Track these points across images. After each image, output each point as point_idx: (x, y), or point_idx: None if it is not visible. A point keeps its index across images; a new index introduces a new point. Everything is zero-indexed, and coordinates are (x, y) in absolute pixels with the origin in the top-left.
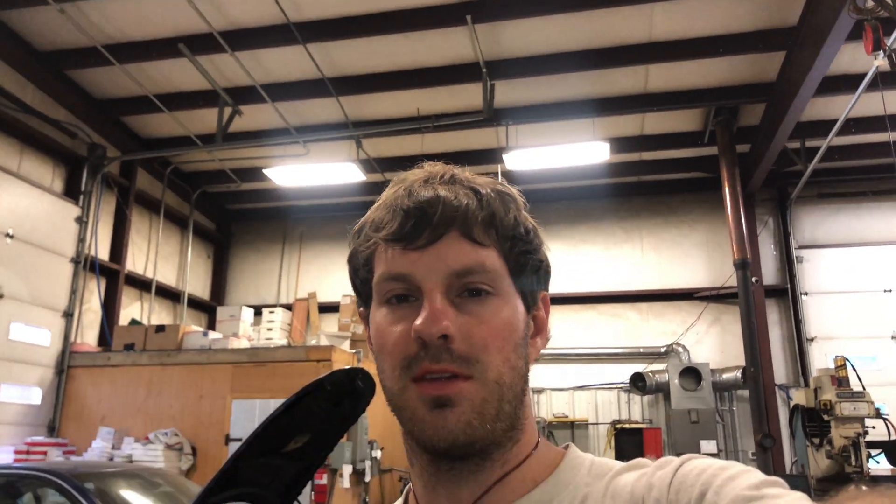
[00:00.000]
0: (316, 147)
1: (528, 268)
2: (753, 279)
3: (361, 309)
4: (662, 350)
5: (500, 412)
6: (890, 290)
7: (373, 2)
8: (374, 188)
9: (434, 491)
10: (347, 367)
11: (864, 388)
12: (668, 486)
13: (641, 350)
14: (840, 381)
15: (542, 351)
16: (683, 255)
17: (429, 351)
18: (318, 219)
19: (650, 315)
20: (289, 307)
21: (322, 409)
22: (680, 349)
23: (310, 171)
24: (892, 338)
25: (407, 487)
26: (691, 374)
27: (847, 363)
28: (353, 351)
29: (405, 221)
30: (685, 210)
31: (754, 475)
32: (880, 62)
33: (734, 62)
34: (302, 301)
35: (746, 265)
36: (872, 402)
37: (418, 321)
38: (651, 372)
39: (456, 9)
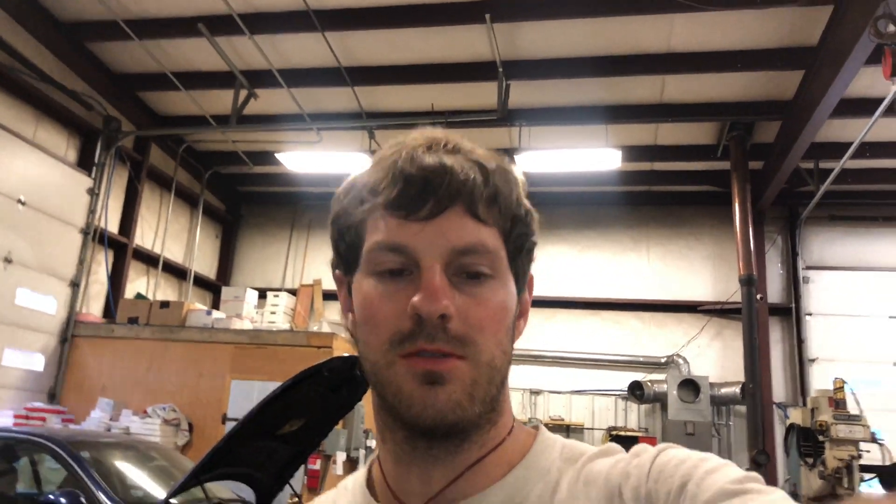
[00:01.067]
0: (329, 135)
1: (525, 250)
2: (758, 296)
3: (339, 272)
4: (663, 360)
5: (486, 394)
6: (895, 317)
7: None
8: None
9: (406, 469)
10: (347, 354)
11: (861, 412)
12: (647, 474)
13: (641, 359)
14: (837, 403)
15: (543, 353)
16: (689, 267)
17: (424, 329)
18: (327, 206)
19: (652, 325)
20: (293, 292)
21: (319, 395)
22: (680, 361)
23: (322, 159)
24: (895, 364)
25: (370, 460)
26: (690, 386)
27: (846, 386)
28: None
29: (407, 189)
30: (694, 223)
31: (734, 469)
32: None
33: (752, 78)
34: (307, 287)
35: (752, 281)
36: (868, 427)
37: (417, 298)
38: (650, 381)
39: (476, 6)
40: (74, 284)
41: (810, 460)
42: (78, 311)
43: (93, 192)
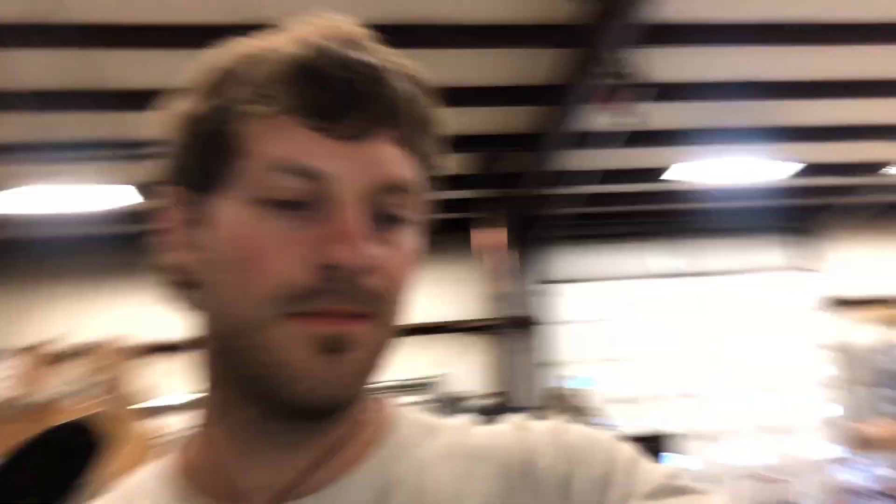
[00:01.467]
0: (68, 169)
1: (432, 193)
2: (508, 312)
3: (179, 188)
4: (427, 381)
5: (379, 363)
6: (613, 320)
7: (151, 12)
8: (142, 217)
9: (249, 456)
10: (75, 418)
11: (587, 405)
12: (560, 452)
13: (408, 382)
14: (563, 398)
15: None
16: (449, 290)
17: (335, 285)
18: (64, 254)
19: (417, 348)
20: (22, 353)
21: (48, 467)
22: (443, 380)
23: (58, 196)
24: (606, 361)
25: (180, 445)
26: (452, 402)
27: (573, 382)
28: (104, 398)
29: (325, 93)
30: (451, 248)
31: (651, 461)
32: (619, 121)
33: (504, 112)
34: (38, 346)
35: (502, 299)
36: (588, 416)
37: (336, 245)
38: (417, 403)
39: (238, 30)
40: None
41: None
42: None
43: None
